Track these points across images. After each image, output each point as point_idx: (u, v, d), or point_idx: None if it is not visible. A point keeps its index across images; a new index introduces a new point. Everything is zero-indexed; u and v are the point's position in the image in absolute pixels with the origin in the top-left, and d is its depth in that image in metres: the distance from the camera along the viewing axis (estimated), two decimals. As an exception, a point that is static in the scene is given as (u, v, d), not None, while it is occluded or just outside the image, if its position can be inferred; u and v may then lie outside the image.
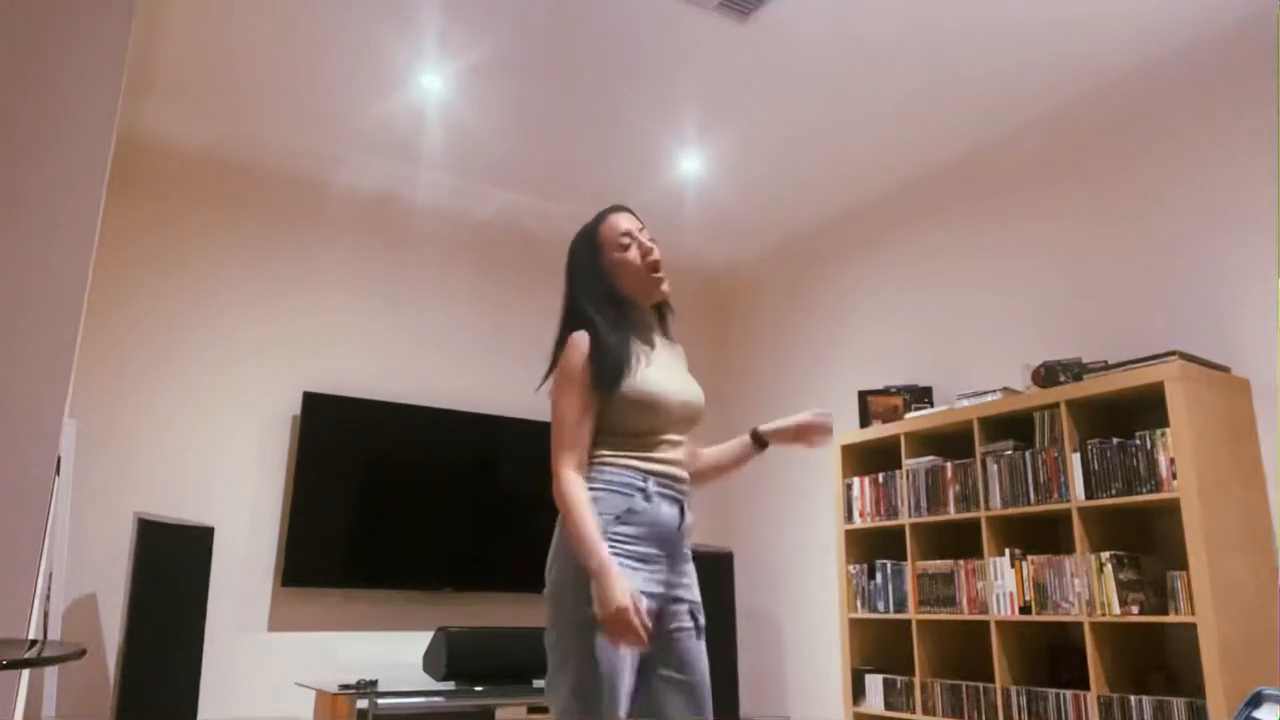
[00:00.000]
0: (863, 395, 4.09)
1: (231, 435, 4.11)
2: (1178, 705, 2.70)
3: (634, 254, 1.89)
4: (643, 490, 1.74)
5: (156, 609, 3.34)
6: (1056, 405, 3.17)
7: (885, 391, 4.04)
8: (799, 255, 5.08)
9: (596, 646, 1.60)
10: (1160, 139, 3.40)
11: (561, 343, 1.88)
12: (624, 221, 1.93)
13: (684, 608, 1.77)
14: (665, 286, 1.90)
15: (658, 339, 1.94)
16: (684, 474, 1.83)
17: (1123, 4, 3.15)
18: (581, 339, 1.80)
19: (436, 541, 4.34)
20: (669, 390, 1.81)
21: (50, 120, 2.22)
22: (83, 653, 1.49)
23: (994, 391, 3.42)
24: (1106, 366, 3.12)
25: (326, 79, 3.66)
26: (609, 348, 1.78)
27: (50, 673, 3.27)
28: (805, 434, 1.94)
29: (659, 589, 1.72)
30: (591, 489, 1.73)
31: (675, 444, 1.84)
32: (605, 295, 1.87)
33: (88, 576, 3.71)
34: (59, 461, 2.36)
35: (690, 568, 1.83)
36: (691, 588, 1.81)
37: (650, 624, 1.63)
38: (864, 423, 4.05)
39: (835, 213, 4.83)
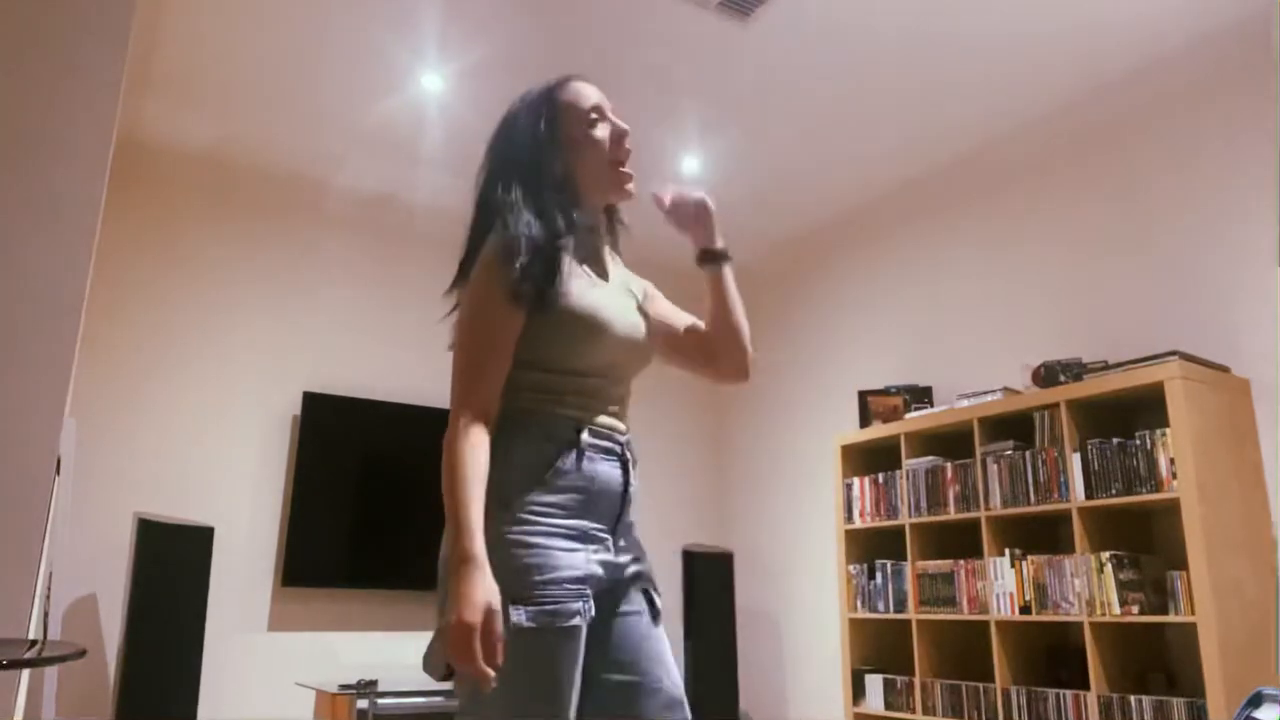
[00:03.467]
0: (863, 395, 4.09)
1: (231, 435, 4.11)
2: (1178, 705, 2.70)
3: (602, 133, 1.44)
4: (574, 445, 1.33)
5: (156, 609, 3.34)
6: (1056, 405, 3.17)
7: (885, 391, 4.04)
8: (799, 255, 5.08)
9: (525, 652, 1.21)
10: (1160, 139, 3.40)
11: (472, 251, 1.39)
12: (593, 93, 1.48)
13: (634, 588, 1.39)
14: (631, 186, 1.46)
15: (607, 255, 1.50)
16: (625, 426, 1.43)
17: (1122, 4, 3.15)
18: (498, 244, 1.32)
19: (436, 542, 4.33)
20: (615, 318, 1.38)
21: (50, 120, 2.22)
22: (83, 653, 1.49)
23: (994, 391, 3.42)
24: (1106, 366, 3.12)
25: (326, 79, 3.66)
26: (536, 247, 1.31)
27: (50, 673, 3.27)
28: (677, 209, 1.55)
29: (599, 570, 1.32)
30: (507, 445, 1.30)
31: (618, 393, 1.43)
32: (551, 179, 1.39)
33: (88, 576, 3.71)
34: (59, 461, 2.36)
35: (636, 537, 1.44)
36: (641, 560, 1.42)
37: (496, 652, 1.17)
38: (864, 423, 4.05)
39: (835, 212, 4.83)
